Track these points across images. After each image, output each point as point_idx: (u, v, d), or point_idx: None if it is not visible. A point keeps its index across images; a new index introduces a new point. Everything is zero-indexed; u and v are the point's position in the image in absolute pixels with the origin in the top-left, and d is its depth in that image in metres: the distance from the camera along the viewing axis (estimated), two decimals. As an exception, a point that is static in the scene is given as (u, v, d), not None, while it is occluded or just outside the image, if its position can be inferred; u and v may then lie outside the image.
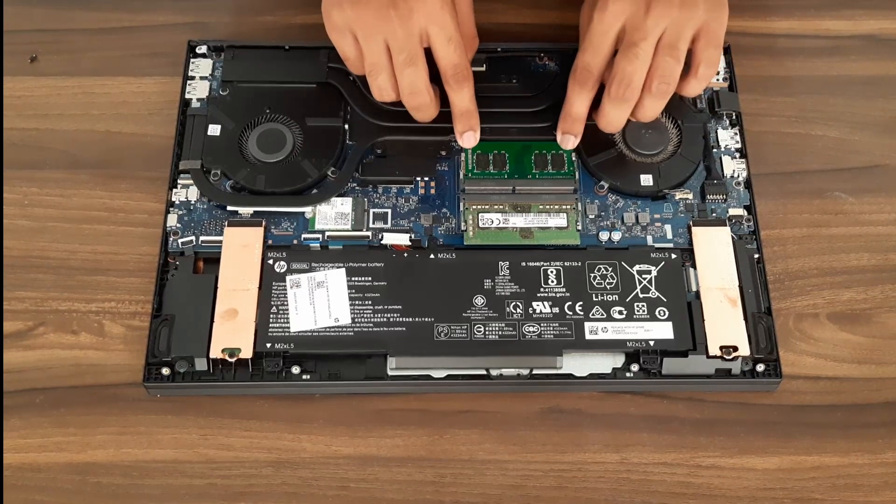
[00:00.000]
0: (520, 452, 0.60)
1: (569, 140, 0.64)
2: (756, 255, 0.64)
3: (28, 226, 0.66)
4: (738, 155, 0.68)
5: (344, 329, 0.61)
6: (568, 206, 0.65)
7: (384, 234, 0.64)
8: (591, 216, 0.65)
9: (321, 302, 0.61)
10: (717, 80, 0.70)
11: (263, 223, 0.64)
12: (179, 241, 0.64)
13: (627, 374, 0.61)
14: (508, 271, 0.63)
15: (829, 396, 0.62)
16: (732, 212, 0.65)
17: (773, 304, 0.62)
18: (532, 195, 0.65)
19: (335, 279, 0.62)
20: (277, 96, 0.68)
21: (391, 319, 0.61)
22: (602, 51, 0.61)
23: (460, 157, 0.67)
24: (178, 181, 0.66)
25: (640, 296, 0.62)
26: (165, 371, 0.60)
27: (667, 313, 0.61)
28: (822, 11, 0.76)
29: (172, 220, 0.65)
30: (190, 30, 0.74)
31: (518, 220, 0.65)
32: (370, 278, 0.62)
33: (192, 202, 0.65)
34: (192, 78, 0.70)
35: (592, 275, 0.63)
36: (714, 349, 0.60)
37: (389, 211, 0.65)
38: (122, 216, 0.67)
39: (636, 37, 0.60)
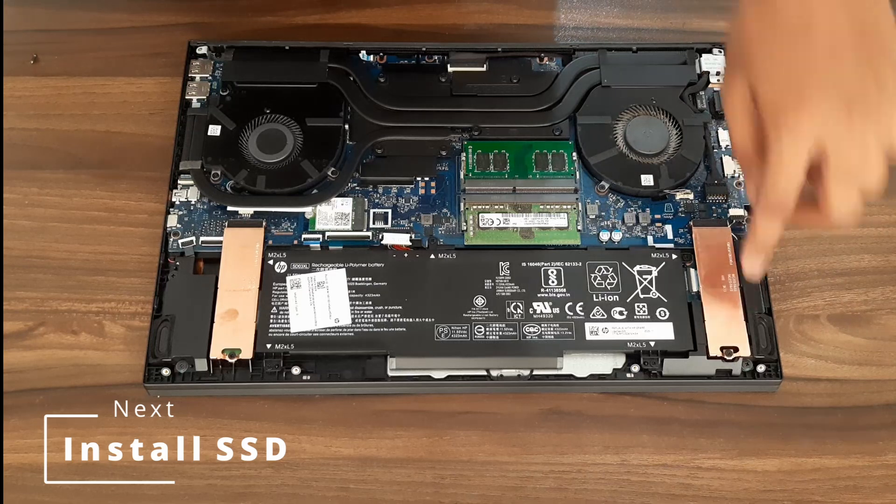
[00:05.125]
0: (520, 454, 0.60)
1: (756, 265, 0.56)
2: (757, 256, 0.64)
3: (28, 226, 0.66)
4: (738, 155, 0.68)
5: (344, 329, 0.61)
6: (568, 207, 0.65)
7: (384, 234, 0.64)
8: (591, 216, 0.65)
9: (321, 302, 0.61)
10: (718, 80, 0.70)
11: (264, 223, 0.64)
12: (180, 241, 0.64)
13: (628, 375, 0.61)
14: (509, 271, 0.63)
15: (829, 398, 0.62)
16: (733, 212, 0.65)
17: (773, 305, 0.62)
18: (532, 195, 0.65)
19: (335, 279, 0.62)
20: (277, 96, 0.68)
21: (391, 320, 0.61)
22: (797, 177, 0.51)
23: (460, 157, 0.67)
24: (179, 182, 0.66)
25: (641, 296, 0.62)
26: (165, 372, 0.60)
27: (667, 314, 0.61)
28: (823, 12, 0.76)
29: (173, 221, 0.64)
30: (190, 30, 0.74)
31: (518, 221, 0.65)
32: (370, 279, 0.62)
33: (193, 203, 0.65)
34: (193, 78, 0.70)
35: (593, 275, 0.63)
36: (715, 350, 0.60)
37: (390, 211, 0.65)
38: (123, 216, 0.67)
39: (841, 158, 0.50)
